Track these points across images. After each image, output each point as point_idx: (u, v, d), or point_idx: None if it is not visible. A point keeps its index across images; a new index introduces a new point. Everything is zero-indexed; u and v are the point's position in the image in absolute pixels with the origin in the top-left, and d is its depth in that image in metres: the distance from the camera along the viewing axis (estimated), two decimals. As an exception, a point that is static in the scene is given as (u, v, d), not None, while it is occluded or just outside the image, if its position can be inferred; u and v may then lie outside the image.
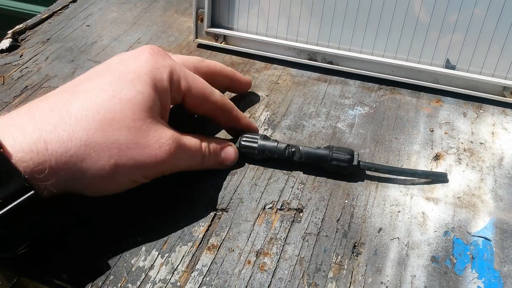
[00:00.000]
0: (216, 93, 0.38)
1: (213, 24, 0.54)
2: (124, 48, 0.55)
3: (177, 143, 0.33)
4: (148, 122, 0.32)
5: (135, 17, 0.62)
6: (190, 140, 0.35)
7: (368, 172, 0.40)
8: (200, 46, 0.56)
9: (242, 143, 0.40)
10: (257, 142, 0.39)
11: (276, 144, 0.39)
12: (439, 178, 0.39)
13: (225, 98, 0.39)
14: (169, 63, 0.35)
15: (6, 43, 0.55)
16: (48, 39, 0.57)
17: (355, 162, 0.38)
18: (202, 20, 0.54)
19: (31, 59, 0.53)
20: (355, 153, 0.38)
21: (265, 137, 0.40)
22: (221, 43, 0.54)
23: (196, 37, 0.55)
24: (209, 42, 0.55)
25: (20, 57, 0.54)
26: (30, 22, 0.60)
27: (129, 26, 0.60)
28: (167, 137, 0.33)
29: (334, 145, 0.40)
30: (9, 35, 0.57)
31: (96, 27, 0.59)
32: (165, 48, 0.55)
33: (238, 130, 0.41)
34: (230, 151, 0.39)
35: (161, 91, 0.33)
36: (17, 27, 0.59)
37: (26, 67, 0.52)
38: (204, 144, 0.36)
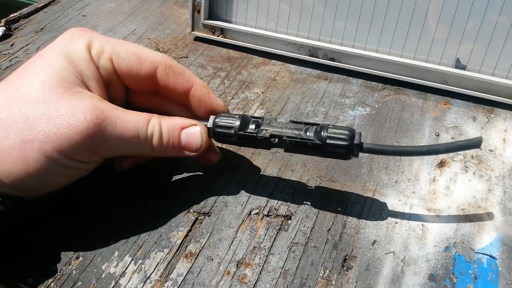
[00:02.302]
0: (154, 52, 0.33)
1: (210, 16, 0.52)
2: (118, 38, 0.53)
3: (100, 112, 0.29)
4: (60, 91, 0.29)
5: (133, 8, 0.59)
6: (128, 114, 0.30)
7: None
8: (197, 39, 0.53)
9: (218, 122, 0.33)
10: (233, 127, 0.32)
11: (255, 134, 0.32)
12: (474, 144, 0.30)
13: (169, 57, 0.34)
14: (87, 33, 0.32)
15: (-2, 31, 0.53)
16: (42, 28, 0.55)
17: (355, 151, 0.31)
18: (199, 12, 0.51)
19: (22, 48, 0.52)
20: (356, 134, 0.31)
21: (244, 118, 0.33)
22: (218, 36, 0.52)
23: (193, 30, 0.52)
24: (206, 35, 0.52)
25: (11, 46, 0.52)
26: (25, 11, 0.58)
27: (125, 17, 0.57)
28: (82, 105, 0.28)
29: (330, 123, 0.32)
30: (2, 24, 0.55)
31: (92, 18, 0.57)
32: (160, 40, 0.53)
33: (202, 106, 0.34)
34: (194, 133, 0.32)
35: (78, 59, 0.30)
36: (11, 15, 0.57)
37: (16, 57, 0.50)
38: (153, 121, 0.31)
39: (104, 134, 0.29)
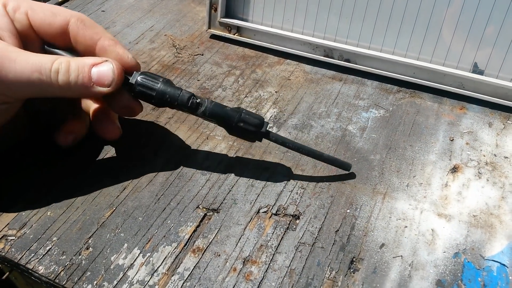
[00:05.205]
0: (70, 10, 0.34)
1: (227, 15, 0.52)
2: (136, 35, 0.53)
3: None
4: None
5: (151, 4, 0.60)
6: (32, 54, 0.30)
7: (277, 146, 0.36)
8: (213, 37, 0.53)
9: (140, 80, 0.33)
10: (158, 83, 0.33)
11: (180, 91, 0.33)
12: (343, 166, 0.36)
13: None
14: None
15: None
16: (62, 22, 0.56)
17: (263, 130, 0.34)
18: (216, 10, 0.51)
19: (42, 42, 0.52)
20: (265, 121, 0.35)
21: (168, 81, 0.34)
22: (234, 34, 0.52)
23: (209, 27, 0.53)
24: (222, 33, 0.52)
25: (32, 39, 0.53)
26: (46, 4, 0.59)
27: (144, 13, 0.58)
28: None
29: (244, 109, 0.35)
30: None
31: (111, 13, 0.58)
32: (177, 37, 0.54)
33: (109, 57, 0.34)
34: (106, 69, 0.32)
35: None
36: (33, 9, 0.58)
37: (36, 50, 0.51)
38: (60, 59, 0.31)
39: (1, 70, 0.29)
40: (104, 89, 0.32)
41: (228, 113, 0.34)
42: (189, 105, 0.34)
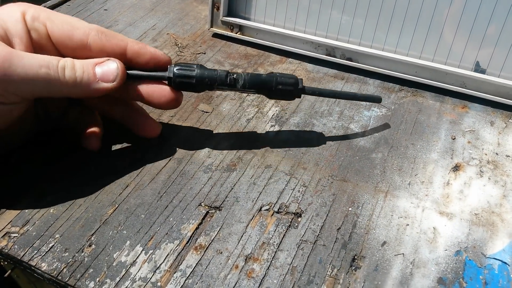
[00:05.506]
0: (87, 23, 0.34)
1: (229, 13, 0.52)
2: (138, 34, 0.54)
3: (7, 50, 0.30)
4: None
5: (154, 3, 0.60)
6: (38, 54, 0.31)
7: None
8: (215, 35, 0.54)
9: (176, 71, 0.35)
10: (194, 70, 0.35)
11: (216, 71, 0.35)
12: (375, 99, 0.40)
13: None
14: (25, 4, 0.33)
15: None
16: (65, 21, 0.56)
17: (300, 86, 0.37)
18: (218, 9, 0.51)
19: (44, 40, 0.53)
20: (299, 78, 0.37)
21: (202, 66, 0.36)
22: (236, 33, 0.52)
23: (211, 26, 0.53)
24: (224, 31, 0.52)
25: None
26: (48, 3, 0.59)
27: (146, 12, 0.58)
28: None
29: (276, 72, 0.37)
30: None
31: (113, 12, 0.58)
32: (179, 36, 0.54)
33: (143, 59, 0.35)
34: (109, 66, 0.33)
35: (7, 17, 0.32)
36: (36, 8, 0.58)
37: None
38: (65, 59, 0.32)
39: (10, 65, 0.29)
40: (109, 85, 0.33)
41: (265, 79, 0.36)
42: (228, 82, 0.35)
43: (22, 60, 0.30)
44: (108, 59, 0.33)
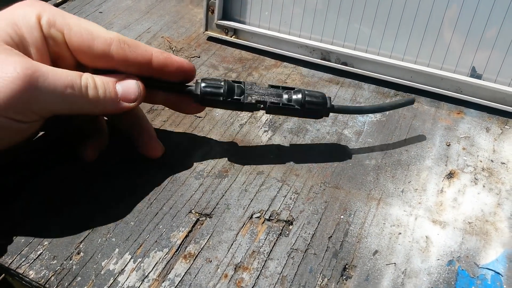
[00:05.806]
0: (107, 30, 0.32)
1: (224, 17, 0.52)
2: (133, 37, 0.53)
3: (31, 65, 0.28)
4: None
5: (149, 6, 0.60)
6: (59, 69, 0.29)
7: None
8: (210, 39, 0.53)
9: (204, 88, 0.34)
10: (221, 87, 0.34)
11: (242, 100, 0.35)
12: (408, 102, 0.40)
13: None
14: (39, 3, 0.31)
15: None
16: (59, 24, 0.56)
17: (328, 105, 0.36)
18: (213, 12, 0.51)
19: (38, 43, 0.52)
20: (327, 96, 0.36)
21: (229, 84, 0.35)
22: (231, 37, 0.52)
23: (206, 30, 0.52)
24: (219, 35, 0.52)
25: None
26: (44, 5, 0.59)
27: (141, 15, 0.58)
28: (12, 60, 0.28)
29: (304, 88, 0.36)
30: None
31: (108, 14, 0.58)
32: (174, 39, 0.53)
33: (169, 69, 0.34)
34: (130, 84, 0.32)
35: (22, 23, 0.30)
36: (31, 10, 0.58)
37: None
38: (85, 75, 0.31)
39: (37, 85, 0.28)
40: (130, 105, 0.33)
41: (291, 109, 0.35)
42: (253, 111, 0.37)
43: (47, 79, 0.28)
44: (127, 77, 0.33)
